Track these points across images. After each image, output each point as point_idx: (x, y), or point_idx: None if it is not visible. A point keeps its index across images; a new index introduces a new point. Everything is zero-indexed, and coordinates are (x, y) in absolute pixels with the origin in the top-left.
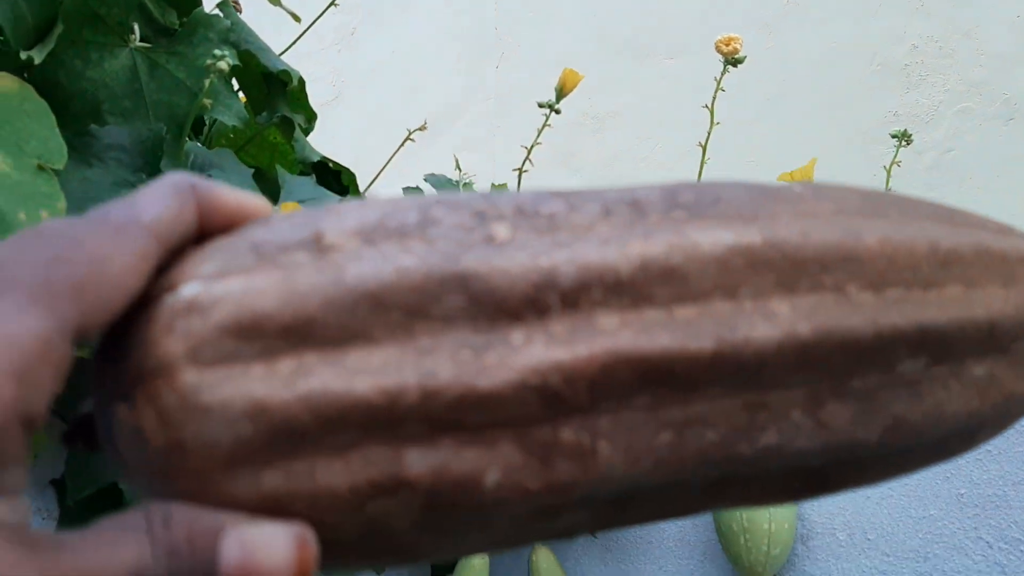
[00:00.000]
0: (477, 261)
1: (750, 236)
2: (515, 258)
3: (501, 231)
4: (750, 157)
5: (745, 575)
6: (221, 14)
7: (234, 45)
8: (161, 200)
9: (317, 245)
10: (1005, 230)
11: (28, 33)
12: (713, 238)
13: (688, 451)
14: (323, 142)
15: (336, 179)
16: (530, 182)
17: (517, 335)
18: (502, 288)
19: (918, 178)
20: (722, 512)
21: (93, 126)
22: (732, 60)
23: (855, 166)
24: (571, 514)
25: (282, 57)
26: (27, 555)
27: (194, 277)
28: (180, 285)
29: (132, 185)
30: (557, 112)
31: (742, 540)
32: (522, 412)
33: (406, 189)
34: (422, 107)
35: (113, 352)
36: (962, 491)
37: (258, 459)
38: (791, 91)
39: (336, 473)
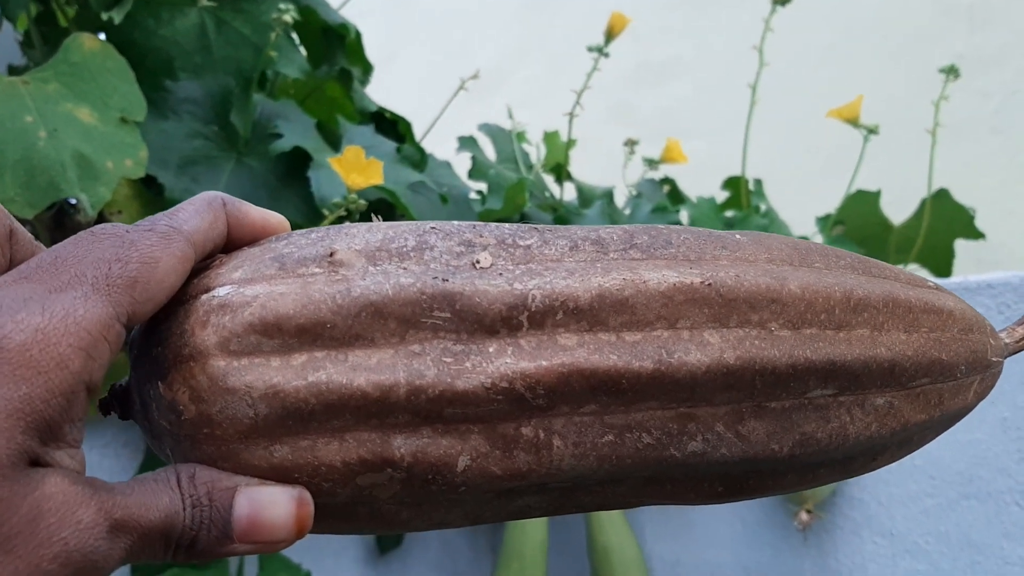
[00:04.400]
0: (463, 283)
1: (691, 277)
2: (494, 282)
3: (484, 258)
4: (812, 101)
5: (793, 502)
6: None
7: (295, 1)
8: (198, 214)
9: (329, 261)
10: (916, 282)
11: None
12: (660, 276)
13: (627, 451)
14: (380, 100)
15: (393, 128)
16: (588, 136)
17: (492, 346)
18: (482, 306)
19: (984, 122)
20: None
21: (168, 81)
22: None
23: (920, 109)
24: (526, 498)
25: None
26: (88, 492)
27: (227, 281)
28: (215, 287)
29: (204, 136)
30: (606, 56)
31: None
32: (491, 410)
33: (461, 139)
34: (477, 62)
35: (152, 339)
36: (1006, 415)
37: (270, 434)
38: (854, 34)
39: (333, 451)
